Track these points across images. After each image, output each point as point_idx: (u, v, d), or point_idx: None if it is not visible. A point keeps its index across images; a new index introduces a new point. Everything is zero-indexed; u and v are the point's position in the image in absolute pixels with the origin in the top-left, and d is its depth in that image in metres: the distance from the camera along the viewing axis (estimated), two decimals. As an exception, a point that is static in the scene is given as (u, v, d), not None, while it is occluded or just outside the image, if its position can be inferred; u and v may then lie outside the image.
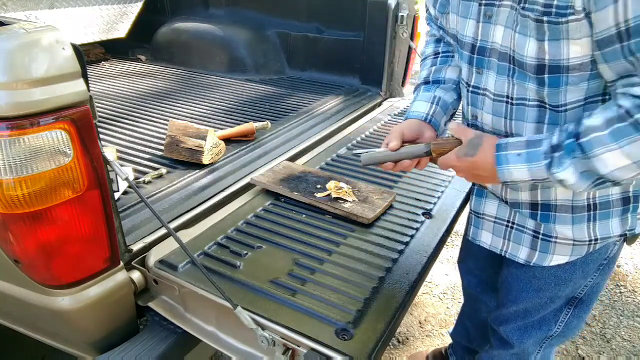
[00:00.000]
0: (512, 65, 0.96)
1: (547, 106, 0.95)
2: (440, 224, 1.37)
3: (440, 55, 1.31)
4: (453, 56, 1.28)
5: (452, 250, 2.84)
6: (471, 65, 1.06)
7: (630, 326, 2.33)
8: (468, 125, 1.13)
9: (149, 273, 1.16)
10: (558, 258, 1.11)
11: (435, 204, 1.49)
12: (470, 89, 1.09)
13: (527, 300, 1.23)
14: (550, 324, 1.25)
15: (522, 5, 0.88)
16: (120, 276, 1.10)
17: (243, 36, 2.87)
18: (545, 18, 0.84)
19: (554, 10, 0.83)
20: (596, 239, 1.06)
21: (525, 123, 0.99)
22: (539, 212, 1.08)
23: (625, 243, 1.11)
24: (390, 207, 1.45)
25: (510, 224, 1.17)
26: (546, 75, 0.90)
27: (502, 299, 1.31)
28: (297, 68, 2.87)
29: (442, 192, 1.57)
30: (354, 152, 1.23)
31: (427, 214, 1.43)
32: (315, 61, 2.78)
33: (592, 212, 1.03)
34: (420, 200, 1.50)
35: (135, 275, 1.16)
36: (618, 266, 2.77)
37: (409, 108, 1.26)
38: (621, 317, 2.38)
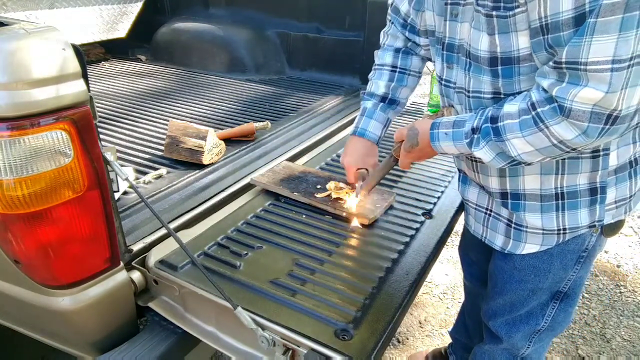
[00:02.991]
0: (468, 59, 1.03)
1: (502, 96, 1.01)
2: (440, 224, 1.37)
3: (398, 70, 1.38)
4: (409, 73, 1.38)
5: (452, 250, 2.84)
6: (443, 61, 1.13)
7: (630, 326, 2.33)
8: None
9: (149, 273, 1.16)
10: (530, 247, 1.16)
11: (435, 204, 1.49)
12: (443, 82, 1.17)
13: (512, 292, 1.26)
14: (537, 318, 1.27)
15: (477, 1, 0.94)
16: (120, 276, 1.10)
17: (243, 36, 2.87)
18: (494, 13, 0.91)
19: (502, 4, 0.89)
20: (565, 229, 1.10)
21: None
22: (509, 200, 1.13)
23: (603, 235, 1.14)
24: (390, 207, 1.45)
25: (488, 212, 1.22)
26: (499, 67, 0.97)
27: (490, 291, 1.35)
28: (297, 68, 2.87)
29: (442, 192, 1.57)
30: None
31: (427, 214, 1.43)
32: (315, 61, 2.78)
33: (560, 201, 1.07)
34: (420, 200, 1.50)
35: (136, 275, 1.16)
36: (618, 266, 2.77)
37: (362, 120, 1.38)
38: (621, 317, 2.38)
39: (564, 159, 1.02)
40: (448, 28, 1.06)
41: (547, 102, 0.87)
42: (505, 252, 1.20)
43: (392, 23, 1.38)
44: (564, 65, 0.82)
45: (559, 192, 1.06)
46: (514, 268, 1.22)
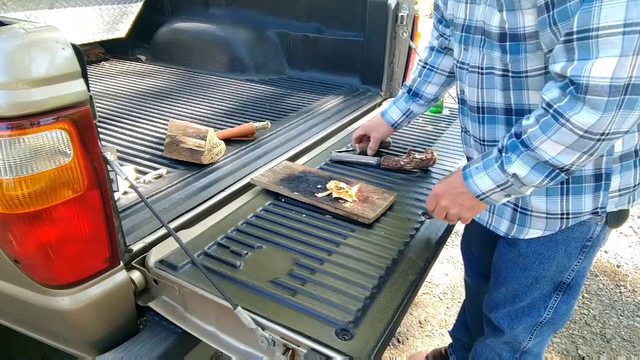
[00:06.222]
0: (483, 37, 1.07)
1: (510, 74, 1.04)
2: (440, 224, 1.37)
3: (427, 67, 1.57)
4: (436, 71, 1.56)
5: (452, 250, 2.84)
6: (460, 44, 1.17)
7: (630, 326, 2.33)
8: (458, 99, 1.27)
9: (149, 273, 1.16)
10: (533, 232, 1.17)
11: (435, 204, 1.49)
12: (458, 64, 1.21)
13: (515, 281, 1.26)
14: (539, 310, 1.28)
15: None
16: (120, 276, 1.10)
17: (243, 36, 2.87)
18: None
19: None
20: (568, 214, 1.11)
21: (496, 90, 1.09)
22: None
23: (607, 225, 1.14)
24: (391, 207, 1.45)
25: None
26: (507, 43, 1.00)
27: (493, 281, 1.35)
28: (297, 68, 2.87)
29: (442, 192, 1.56)
30: (333, 153, 1.77)
31: (427, 214, 1.43)
32: (315, 61, 2.78)
33: (565, 186, 1.09)
34: (420, 201, 1.50)
35: (135, 275, 1.16)
36: (618, 266, 2.77)
37: (389, 104, 1.71)
38: (621, 317, 2.39)
39: None
40: (468, 11, 1.12)
41: (562, 97, 0.86)
42: (509, 237, 1.21)
43: (434, 25, 1.51)
44: (575, 37, 0.82)
45: None
46: (518, 255, 1.22)
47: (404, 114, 1.65)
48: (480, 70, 1.11)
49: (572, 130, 0.86)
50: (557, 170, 0.94)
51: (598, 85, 0.80)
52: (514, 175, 0.97)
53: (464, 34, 1.15)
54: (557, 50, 0.87)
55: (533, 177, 0.96)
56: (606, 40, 0.78)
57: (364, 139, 1.78)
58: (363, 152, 1.79)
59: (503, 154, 0.99)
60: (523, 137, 0.94)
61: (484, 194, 1.04)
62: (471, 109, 1.18)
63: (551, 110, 0.89)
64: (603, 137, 0.87)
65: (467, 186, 1.05)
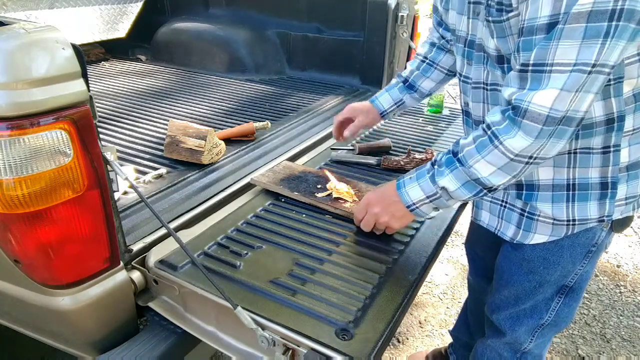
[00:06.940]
0: (485, 54, 1.08)
1: None
2: (440, 224, 1.37)
3: (427, 61, 1.54)
4: (436, 67, 1.53)
5: (452, 250, 2.84)
6: (464, 57, 1.17)
7: (630, 326, 2.33)
8: (462, 111, 1.27)
9: (149, 273, 1.16)
10: (539, 237, 1.17)
11: (435, 204, 1.48)
12: (462, 78, 1.21)
13: (518, 284, 1.26)
14: (541, 312, 1.28)
15: (488, 2, 0.99)
16: (120, 276, 1.10)
17: (243, 36, 2.87)
18: (490, 18, 0.97)
19: (500, 8, 0.94)
20: (574, 220, 1.11)
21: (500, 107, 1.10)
22: (524, 191, 1.15)
23: (613, 231, 1.15)
24: (390, 207, 1.45)
25: (504, 203, 1.24)
26: (505, 65, 1.02)
27: (496, 283, 1.35)
28: (297, 68, 2.87)
29: (442, 192, 1.56)
30: (333, 152, 1.77)
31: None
32: (315, 61, 2.78)
33: (571, 192, 1.09)
34: (420, 200, 1.50)
35: (135, 275, 1.16)
36: (618, 266, 2.77)
37: (381, 91, 1.62)
38: (621, 317, 2.39)
39: (576, 153, 1.04)
40: (471, 26, 1.11)
41: (502, 121, 0.91)
42: (515, 242, 1.21)
43: (433, 25, 1.50)
44: (530, 68, 0.87)
45: (571, 183, 1.08)
46: (523, 259, 1.22)
47: (395, 104, 1.58)
48: (485, 87, 1.12)
49: (504, 153, 0.92)
50: (485, 190, 1.00)
51: (535, 113, 0.86)
52: (444, 188, 1.03)
53: (466, 48, 1.15)
54: (511, 77, 0.91)
55: (461, 193, 1.02)
56: (556, 75, 0.84)
57: (345, 123, 1.62)
58: (363, 152, 1.79)
59: (435, 167, 1.04)
60: (459, 155, 1.00)
61: (414, 204, 1.10)
62: (476, 123, 1.19)
63: (489, 132, 0.94)
64: (531, 160, 0.92)
65: (399, 195, 1.11)
